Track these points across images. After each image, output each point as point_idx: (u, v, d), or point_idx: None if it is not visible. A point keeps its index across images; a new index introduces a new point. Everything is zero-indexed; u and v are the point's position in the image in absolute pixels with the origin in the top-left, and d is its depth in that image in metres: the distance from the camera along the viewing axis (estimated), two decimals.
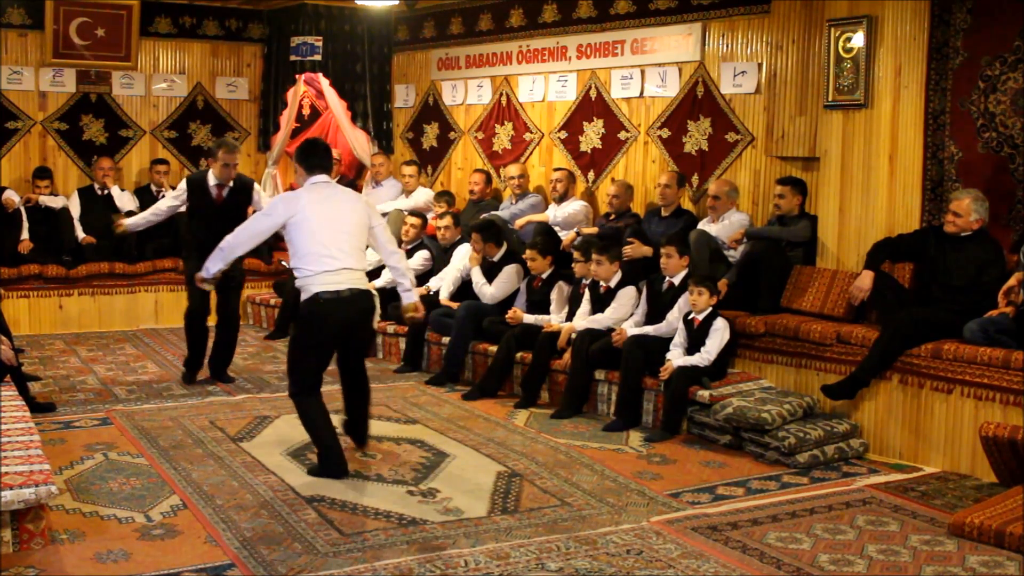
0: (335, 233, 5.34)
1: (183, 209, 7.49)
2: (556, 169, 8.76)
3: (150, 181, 10.16)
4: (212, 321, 7.59)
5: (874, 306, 6.32)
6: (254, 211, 7.58)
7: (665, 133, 8.17)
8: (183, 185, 7.47)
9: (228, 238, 5.61)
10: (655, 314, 6.83)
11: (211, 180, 7.35)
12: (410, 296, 5.74)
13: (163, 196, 8.58)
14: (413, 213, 8.99)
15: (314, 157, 5.57)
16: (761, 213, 7.47)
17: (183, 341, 7.93)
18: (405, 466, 5.63)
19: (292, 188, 11.15)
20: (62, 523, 4.66)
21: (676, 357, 6.47)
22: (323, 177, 5.53)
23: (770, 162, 7.40)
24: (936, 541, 4.65)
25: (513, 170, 9.10)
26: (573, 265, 7.46)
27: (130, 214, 9.68)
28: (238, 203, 7.46)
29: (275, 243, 10.29)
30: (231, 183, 7.39)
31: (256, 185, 7.75)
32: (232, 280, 7.45)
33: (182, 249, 9.12)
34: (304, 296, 5.38)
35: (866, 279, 6.19)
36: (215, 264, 5.69)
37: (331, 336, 5.38)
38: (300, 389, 5.44)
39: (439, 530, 4.70)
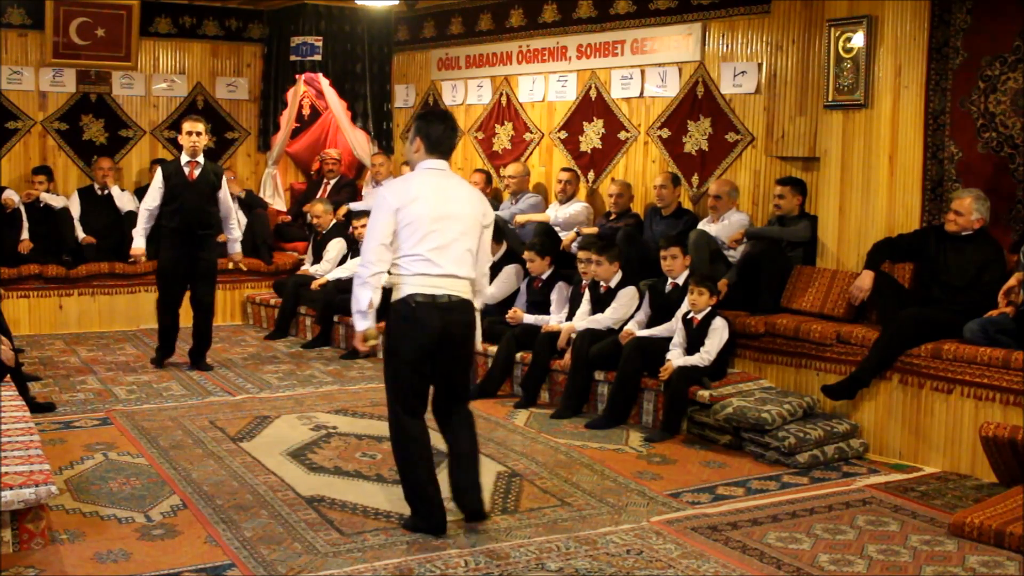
0: (443, 232, 4.56)
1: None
2: (564, 169, 8.74)
3: (150, 181, 10.13)
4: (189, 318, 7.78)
5: (874, 306, 6.32)
6: (222, 195, 7.80)
7: (665, 133, 8.17)
8: (158, 175, 7.71)
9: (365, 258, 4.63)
10: (660, 318, 6.82)
11: (182, 160, 7.66)
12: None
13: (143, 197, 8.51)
14: None
15: (438, 124, 4.64)
16: (761, 213, 7.47)
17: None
18: None
19: (292, 188, 11.16)
20: (62, 523, 4.66)
21: (676, 357, 6.47)
22: (440, 163, 4.67)
23: (770, 162, 7.40)
24: (936, 541, 4.65)
25: (508, 169, 9.10)
26: (577, 263, 7.43)
27: (130, 215, 9.71)
28: (211, 183, 7.67)
29: (275, 243, 10.31)
30: (201, 161, 7.61)
31: (224, 172, 8.01)
32: (201, 263, 7.63)
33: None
34: (395, 298, 4.66)
35: (866, 279, 6.19)
36: (368, 291, 4.62)
37: (425, 348, 4.63)
38: (395, 407, 4.78)
39: None
